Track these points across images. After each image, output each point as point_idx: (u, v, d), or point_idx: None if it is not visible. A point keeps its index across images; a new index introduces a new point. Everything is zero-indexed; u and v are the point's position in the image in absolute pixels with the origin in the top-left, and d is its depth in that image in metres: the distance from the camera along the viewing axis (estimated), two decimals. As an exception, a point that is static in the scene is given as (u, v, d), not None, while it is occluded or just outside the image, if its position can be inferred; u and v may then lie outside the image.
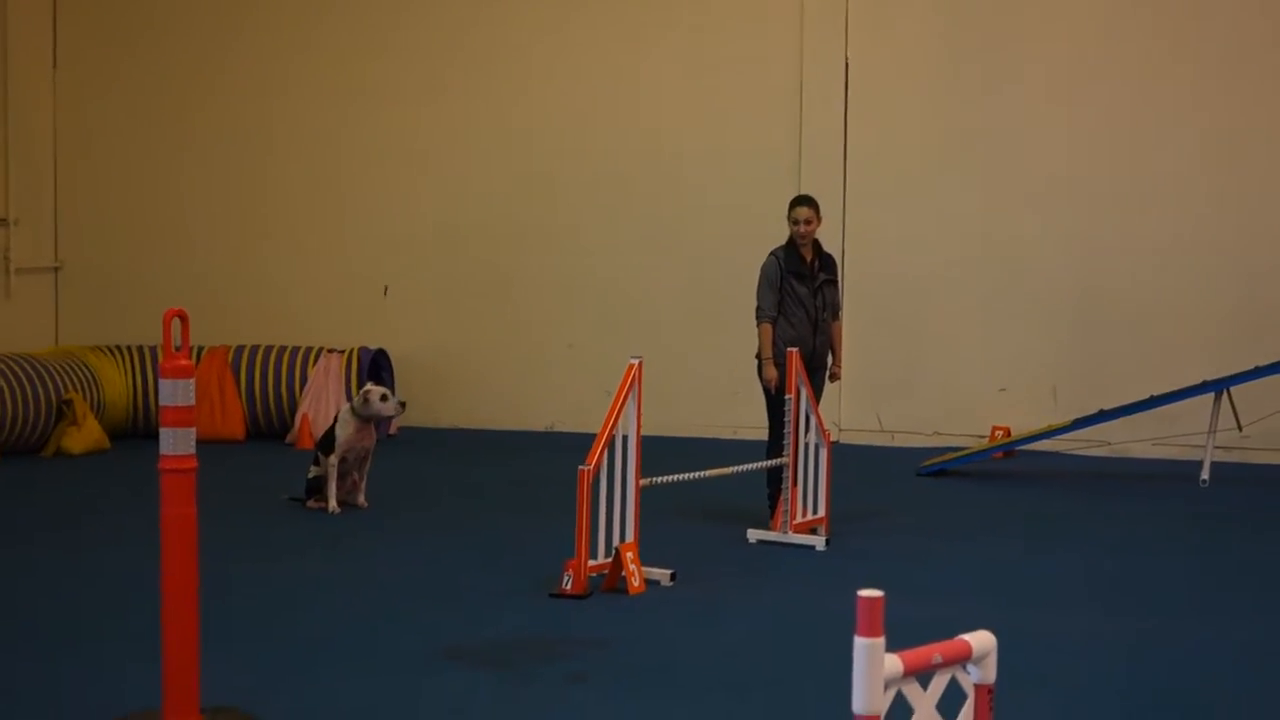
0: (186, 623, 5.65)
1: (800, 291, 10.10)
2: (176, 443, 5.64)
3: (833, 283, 10.32)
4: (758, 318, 10.11)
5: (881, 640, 3.16)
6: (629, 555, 8.23)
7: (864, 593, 3.15)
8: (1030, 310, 14.07)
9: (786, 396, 9.60)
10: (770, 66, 14.57)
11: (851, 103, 14.40)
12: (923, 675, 3.34)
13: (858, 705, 3.17)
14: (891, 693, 3.25)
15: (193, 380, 5.69)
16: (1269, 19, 13.58)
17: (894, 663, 3.22)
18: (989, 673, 3.47)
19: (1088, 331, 13.94)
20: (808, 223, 10.12)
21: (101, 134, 16.07)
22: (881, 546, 9.62)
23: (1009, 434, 13.52)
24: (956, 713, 3.53)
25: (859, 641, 3.15)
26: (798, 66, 14.48)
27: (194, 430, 5.69)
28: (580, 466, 8.08)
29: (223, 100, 15.89)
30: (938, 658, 3.33)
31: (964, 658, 3.41)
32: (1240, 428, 12.57)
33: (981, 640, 3.45)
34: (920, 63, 14.31)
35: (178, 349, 5.66)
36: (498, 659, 6.81)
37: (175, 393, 5.65)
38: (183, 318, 5.67)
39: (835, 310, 10.36)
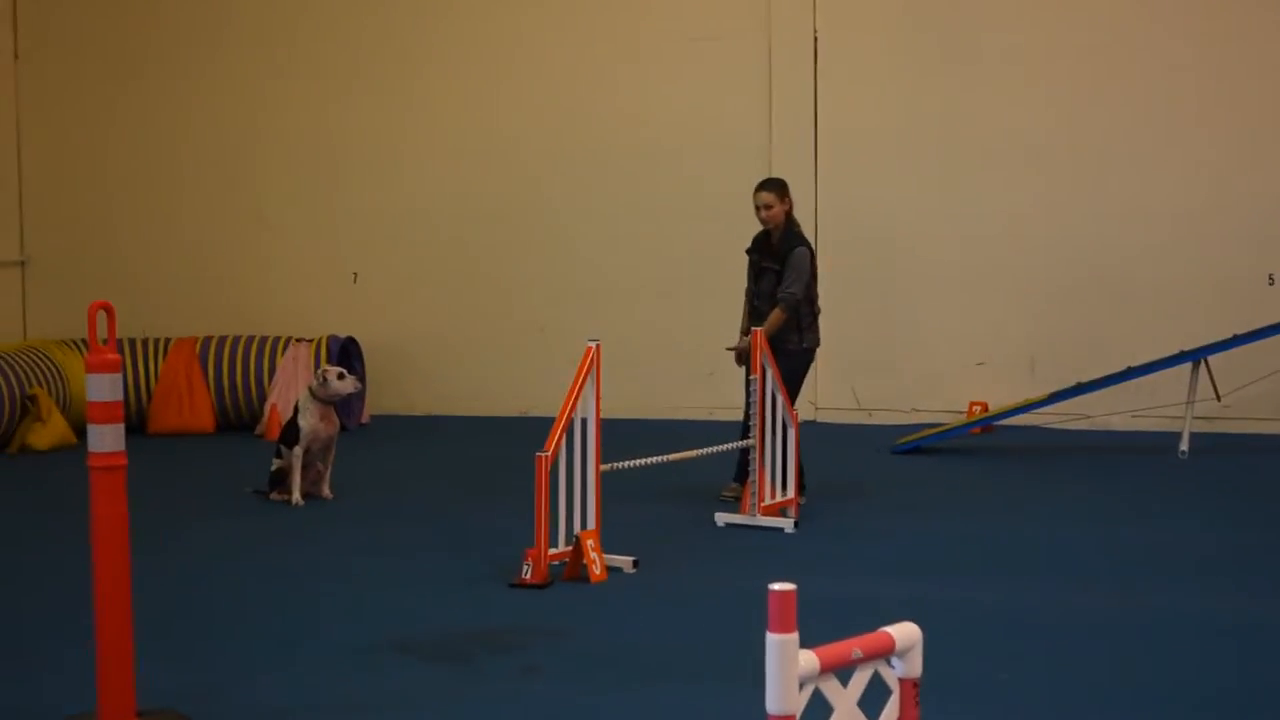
0: (120, 623, 5.49)
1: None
2: (105, 440, 5.48)
3: (775, 271, 10.03)
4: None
5: (794, 636, 3.00)
6: (589, 543, 8.07)
7: (775, 586, 2.99)
8: (1007, 283, 13.89)
9: (753, 377, 9.43)
10: (738, 42, 14.37)
11: (821, 76, 14.21)
12: (843, 671, 3.18)
13: (771, 705, 3.01)
14: (809, 690, 3.09)
15: (120, 375, 5.53)
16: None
17: (810, 659, 3.06)
18: (914, 666, 3.31)
19: (1065, 304, 13.76)
20: (767, 208, 9.96)
21: (67, 127, 15.86)
22: (850, 526, 9.46)
23: (986, 409, 13.35)
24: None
25: (770, 638, 3.00)
26: (766, 41, 14.28)
27: (122, 426, 5.52)
28: (538, 453, 7.91)
29: (191, 93, 15.65)
30: (857, 652, 3.17)
31: (886, 652, 3.25)
32: (1219, 398, 12.44)
33: (905, 632, 3.29)
34: (890, 34, 14.11)
35: (103, 342, 5.50)
36: (450, 651, 6.65)
37: (103, 388, 5.49)
38: (108, 310, 5.51)
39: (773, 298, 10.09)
